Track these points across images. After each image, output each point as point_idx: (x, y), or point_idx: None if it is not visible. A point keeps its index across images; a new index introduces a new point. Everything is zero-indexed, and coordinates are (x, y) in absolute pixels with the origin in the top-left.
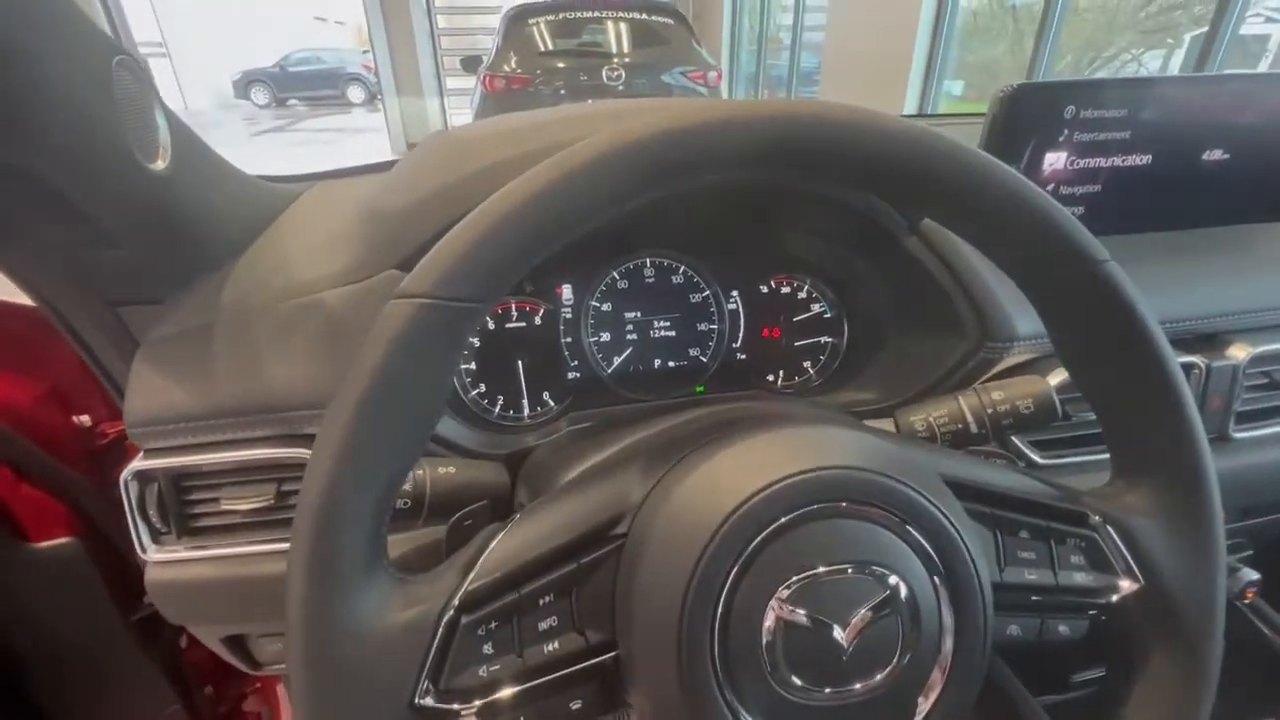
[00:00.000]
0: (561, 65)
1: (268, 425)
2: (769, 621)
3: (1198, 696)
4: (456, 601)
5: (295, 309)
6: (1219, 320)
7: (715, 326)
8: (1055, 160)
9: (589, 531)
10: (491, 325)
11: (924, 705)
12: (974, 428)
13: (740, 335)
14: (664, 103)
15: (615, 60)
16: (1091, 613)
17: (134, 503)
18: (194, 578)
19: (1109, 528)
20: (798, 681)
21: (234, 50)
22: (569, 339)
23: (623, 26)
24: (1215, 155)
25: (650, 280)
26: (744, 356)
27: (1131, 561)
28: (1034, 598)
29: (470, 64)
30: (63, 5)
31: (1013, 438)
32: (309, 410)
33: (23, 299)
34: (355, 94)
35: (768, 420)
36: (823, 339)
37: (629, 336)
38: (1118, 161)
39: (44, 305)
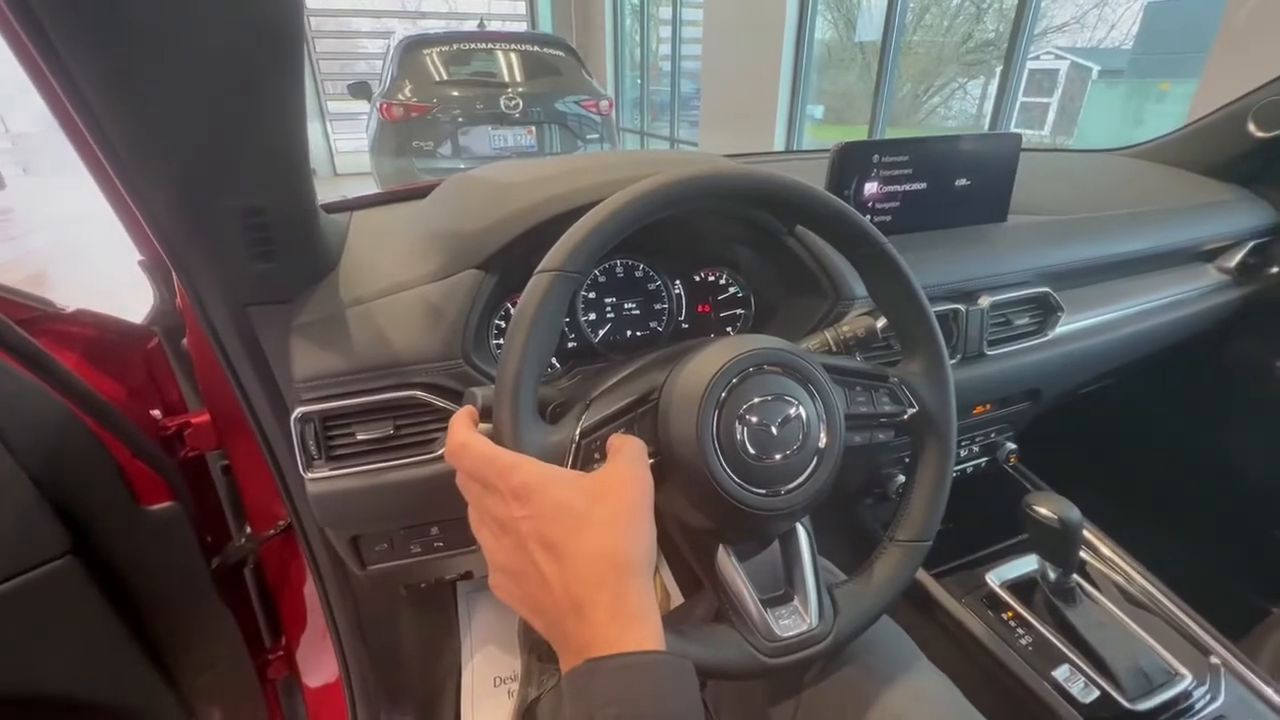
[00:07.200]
0: (458, 94)
1: (389, 377)
2: (739, 425)
3: (948, 453)
4: (578, 434)
5: (402, 298)
6: (972, 282)
7: (666, 306)
8: (871, 188)
9: (639, 398)
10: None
11: (808, 470)
12: (834, 348)
13: (683, 311)
14: (660, 159)
15: (511, 90)
16: (895, 426)
17: (298, 437)
18: (334, 490)
19: (900, 382)
20: (754, 452)
21: None
22: (568, 319)
23: (515, 58)
24: (962, 182)
25: (621, 275)
26: (686, 326)
27: (911, 398)
28: (864, 419)
29: (359, 90)
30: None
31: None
32: (418, 364)
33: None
34: None
35: (720, 338)
36: (737, 310)
37: (609, 315)
38: (906, 188)
39: (196, 306)
